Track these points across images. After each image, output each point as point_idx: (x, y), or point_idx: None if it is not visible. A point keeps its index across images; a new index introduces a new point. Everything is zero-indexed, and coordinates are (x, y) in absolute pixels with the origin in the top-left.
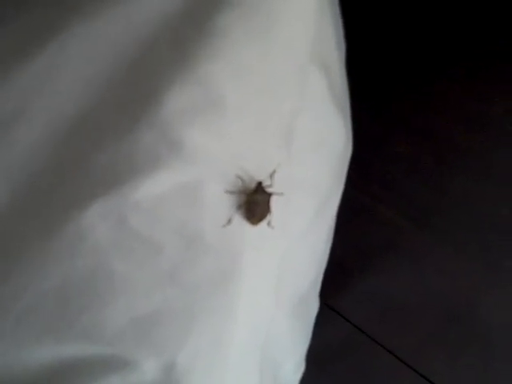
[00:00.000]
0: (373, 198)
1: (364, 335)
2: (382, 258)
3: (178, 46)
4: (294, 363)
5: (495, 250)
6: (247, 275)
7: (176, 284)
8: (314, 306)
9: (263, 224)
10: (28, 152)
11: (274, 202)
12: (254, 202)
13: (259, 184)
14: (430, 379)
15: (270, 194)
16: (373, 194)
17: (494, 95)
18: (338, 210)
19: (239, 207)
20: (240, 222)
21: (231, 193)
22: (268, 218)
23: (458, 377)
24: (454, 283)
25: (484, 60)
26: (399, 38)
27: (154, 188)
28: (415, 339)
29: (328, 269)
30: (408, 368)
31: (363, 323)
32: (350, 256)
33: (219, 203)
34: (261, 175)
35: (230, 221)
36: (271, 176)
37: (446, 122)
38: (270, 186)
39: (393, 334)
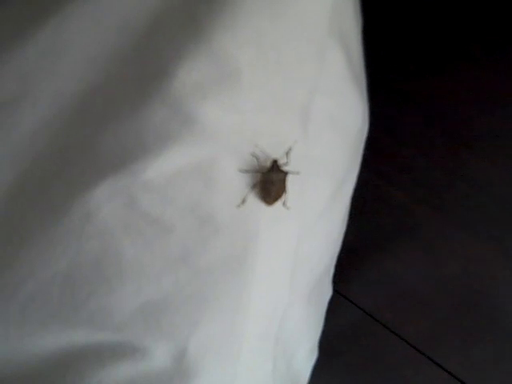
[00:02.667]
0: (386, 180)
1: (376, 322)
2: (395, 242)
3: (189, 17)
4: (307, 350)
5: (509, 234)
6: (262, 259)
7: (187, 267)
8: (327, 291)
9: (278, 204)
10: (32, 134)
11: (290, 181)
12: (270, 181)
13: (275, 162)
14: (444, 366)
15: (285, 173)
16: (386, 177)
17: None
18: None
19: (254, 186)
20: (255, 202)
21: (246, 171)
22: (283, 197)
23: (473, 363)
24: (468, 268)
25: (502, 37)
26: (415, 15)
27: (165, 167)
28: (428, 325)
29: (340, 255)
30: (421, 355)
31: (375, 310)
32: (362, 241)
33: (233, 182)
34: (276, 153)
35: (244, 201)
36: (287, 154)
37: (463, 102)
38: (286, 164)
39: (406, 321)
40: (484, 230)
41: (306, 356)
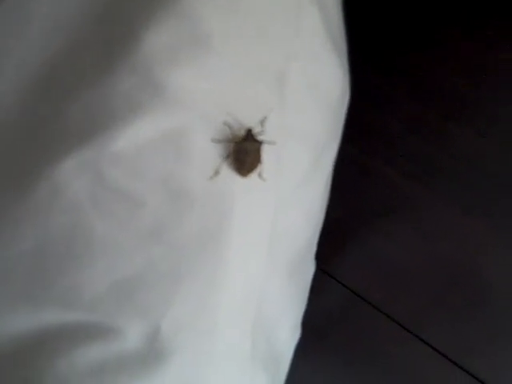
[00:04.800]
0: (372, 155)
1: (363, 301)
2: (383, 219)
3: None
4: (289, 329)
5: (500, 210)
6: (237, 232)
7: (160, 243)
8: (309, 268)
9: (254, 176)
10: None
11: (266, 151)
12: (244, 151)
13: (249, 131)
14: (434, 345)
15: (260, 143)
16: (372, 152)
17: (501, 44)
18: (334, 169)
19: (227, 157)
20: (228, 174)
21: (218, 141)
22: (259, 168)
23: (462, 340)
24: (458, 244)
25: (489, 6)
26: None
27: (134, 138)
28: (417, 304)
29: (324, 232)
30: (409, 334)
31: (362, 289)
32: (348, 218)
33: (206, 153)
34: (251, 122)
35: (217, 172)
36: (262, 123)
37: (453, 74)
38: (261, 133)
39: (394, 300)
40: (475, 206)
41: (287, 335)
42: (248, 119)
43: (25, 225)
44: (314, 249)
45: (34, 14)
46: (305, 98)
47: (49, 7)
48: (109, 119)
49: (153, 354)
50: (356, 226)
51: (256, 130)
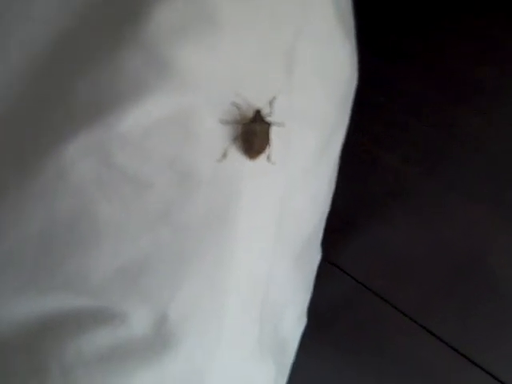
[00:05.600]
0: (376, 141)
1: (367, 290)
2: (386, 207)
3: None
4: (295, 316)
5: (506, 197)
6: (245, 215)
7: (166, 226)
8: (316, 255)
9: (262, 158)
10: (2, 85)
11: (274, 133)
12: (252, 133)
13: (258, 112)
14: (437, 334)
15: (269, 124)
16: (376, 137)
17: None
18: None
19: (235, 139)
20: (236, 156)
21: (226, 122)
22: (267, 151)
23: (468, 330)
24: (463, 231)
25: None
26: None
27: (142, 118)
28: (422, 292)
29: (327, 220)
30: (414, 323)
31: (366, 278)
32: (351, 206)
33: (214, 134)
34: (259, 103)
35: (225, 154)
36: (271, 103)
37: (458, 56)
38: (270, 114)
39: (398, 289)
40: (480, 191)
41: (294, 322)
42: (256, 100)
43: (31, 207)
44: (320, 236)
45: None
46: (313, 79)
47: None
48: (116, 99)
49: (160, 339)
50: (359, 214)
51: (265, 111)
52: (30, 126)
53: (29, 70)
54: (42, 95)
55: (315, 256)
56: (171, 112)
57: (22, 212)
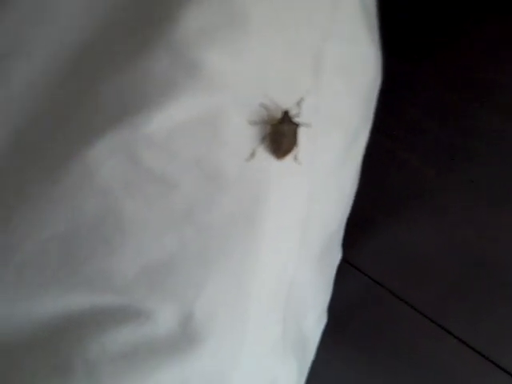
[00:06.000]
0: (394, 141)
1: (384, 290)
2: (405, 207)
3: None
4: (316, 315)
5: None
6: (271, 215)
7: (192, 225)
8: (337, 254)
9: (289, 158)
10: (28, 88)
11: (301, 134)
12: (280, 133)
13: (286, 113)
14: (454, 333)
15: (297, 125)
16: (394, 138)
17: None
18: None
19: (263, 139)
20: (264, 156)
21: (255, 123)
22: (294, 151)
23: (483, 330)
24: (481, 232)
25: None
26: None
27: (168, 119)
28: (439, 292)
29: (347, 220)
30: (431, 322)
31: (383, 278)
32: (370, 205)
33: (241, 135)
34: (287, 103)
35: (253, 154)
36: (299, 104)
37: (478, 57)
38: (298, 115)
39: (415, 288)
40: (498, 193)
41: (315, 321)
42: (284, 101)
43: (57, 208)
44: (341, 236)
45: None
46: (340, 80)
47: None
48: (143, 100)
49: (185, 337)
50: (377, 213)
51: (292, 112)
52: (57, 127)
53: (55, 72)
54: (69, 97)
55: (336, 256)
56: (199, 113)
57: (48, 212)
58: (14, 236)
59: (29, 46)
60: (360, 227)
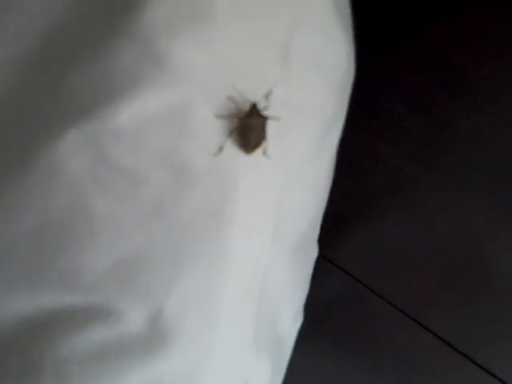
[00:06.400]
0: (373, 136)
1: (364, 287)
2: (383, 202)
3: None
4: (292, 313)
5: (506, 193)
6: (241, 211)
7: (162, 222)
8: (312, 251)
9: (258, 152)
10: None
11: (270, 127)
12: (248, 127)
13: (254, 106)
14: (434, 331)
15: (265, 118)
16: (373, 132)
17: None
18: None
19: (231, 133)
20: (233, 150)
21: (222, 116)
22: (264, 145)
23: (464, 327)
24: (462, 226)
25: None
26: None
27: (136, 112)
28: (420, 289)
29: (324, 216)
30: (411, 320)
31: (363, 275)
32: (348, 201)
33: (210, 128)
34: (255, 96)
35: (221, 148)
36: (267, 97)
37: (457, 51)
38: (266, 108)
39: (395, 285)
40: (479, 186)
41: (290, 320)
42: (252, 93)
43: (23, 203)
44: (317, 231)
45: None
46: (310, 71)
47: None
48: (110, 93)
49: (156, 337)
50: (356, 209)
51: (261, 104)
52: (23, 119)
53: (21, 62)
54: (35, 89)
55: (312, 252)
56: (166, 106)
57: (14, 209)
58: None
59: None
60: (340, 225)
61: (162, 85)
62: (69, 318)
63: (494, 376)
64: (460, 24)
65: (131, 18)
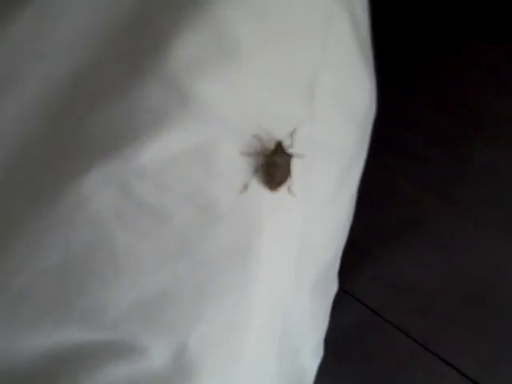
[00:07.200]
0: (389, 169)
1: (382, 320)
2: (400, 235)
3: None
4: (312, 347)
5: None
6: (266, 248)
7: (186, 259)
8: (333, 285)
9: (283, 190)
10: (20, 118)
11: (295, 165)
12: (274, 164)
13: (279, 144)
14: (453, 363)
15: (290, 156)
16: (389, 165)
17: None
18: None
19: (256, 170)
20: (257, 188)
21: (248, 154)
22: (288, 182)
23: (485, 360)
24: (479, 260)
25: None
26: None
27: (160, 151)
28: (437, 322)
29: (343, 250)
30: (429, 353)
31: (381, 307)
32: (365, 234)
33: (234, 166)
34: (280, 134)
35: (246, 186)
36: (292, 135)
37: (473, 84)
38: (291, 146)
39: (413, 317)
40: (496, 220)
41: (311, 353)
42: (277, 131)
43: (47, 241)
44: (337, 266)
45: (59, 27)
46: (333, 109)
47: (73, 17)
48: (135, 132)
49: (179, 372)
50: (374, 242)
51: (286, 142)
52: (49, 157)
53: (48, 102)
54: (61, 127)
55: (332, 286)
56: (191, 144)
57: (39, 246)
58: (6, 269)
59: (23, 74)
60: (358, 257)
61: (187, 123)
62: (92, 355)
63: None
64: (477, 57)
65: (158, 58)
